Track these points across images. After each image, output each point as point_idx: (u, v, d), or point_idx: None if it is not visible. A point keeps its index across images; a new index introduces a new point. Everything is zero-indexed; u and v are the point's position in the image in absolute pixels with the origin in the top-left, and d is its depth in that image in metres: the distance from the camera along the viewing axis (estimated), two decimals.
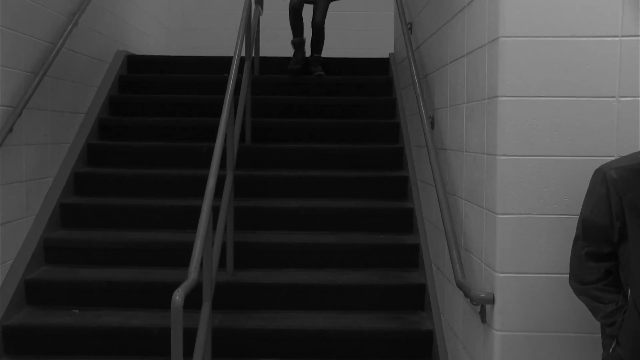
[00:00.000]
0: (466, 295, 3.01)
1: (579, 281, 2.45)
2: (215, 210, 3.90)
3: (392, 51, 6.57)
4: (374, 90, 6.31)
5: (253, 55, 5.91)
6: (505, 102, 2.74)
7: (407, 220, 4.92)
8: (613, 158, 2.71)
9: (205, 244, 3.31)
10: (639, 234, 2.29)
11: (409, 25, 4.98)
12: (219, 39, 8.36)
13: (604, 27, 2.72)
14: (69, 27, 4.96)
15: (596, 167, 2.55)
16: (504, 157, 2.76)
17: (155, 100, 6.13)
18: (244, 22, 4.90)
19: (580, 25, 2.72)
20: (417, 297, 4.34)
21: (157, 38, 8.32)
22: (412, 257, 4.64)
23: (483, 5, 2.96)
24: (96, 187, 5.21)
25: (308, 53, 6.48)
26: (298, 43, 6.34)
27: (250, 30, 5.53)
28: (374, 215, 4.94)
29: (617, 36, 2.73)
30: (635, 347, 2.33)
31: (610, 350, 2.39)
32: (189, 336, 3.45)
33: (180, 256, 4.31)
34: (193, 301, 3.46)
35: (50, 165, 4.95)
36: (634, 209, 2.29)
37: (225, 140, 4.06)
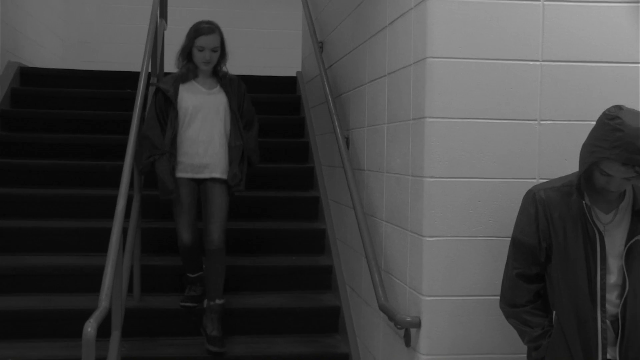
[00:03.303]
0: (391, 319, 2.95)
1: (510, 304, 2.45)
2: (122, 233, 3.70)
3: (300, 70, 6.52)
4: (282, 109, 6.23)
5: (158, 71, 5.71)
6: (433, 123, 2.72)
7: (319, 241, 4.85)
8: (535, 180, 2.75)
9: (116, 270, 3.13)
10: (562, 254, 2.32)
11: (320, 44, 4.94)
12: (118, 53, 8.08)
13: (526, 51, 2.76)
14: None
15: (520, 189, 2.59)
16: (431, 179, 2.74)
17: (52, 115, 5.81)
18: (150, 35, 4.72)
19: (506, 48, 2.74)
20: (332, 320, 4.27)
21: (52, 50, 7.95)
22: (325, 278, 4.57)
23: (408, 25, 2.94)
24: None
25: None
26: (195, 279, 4.23)
27: (157, 45, 5.35)
28: (286, 236, 4.84)
29: (538, 60, 2.77)
30: None
31: None
32: None
33: (84, 281, 4.13)
34: (100, 329, 3.25)
35: None
36: (558, 230, 2.33)
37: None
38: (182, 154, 4.01)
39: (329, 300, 4.41)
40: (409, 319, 2.83)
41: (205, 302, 4.03)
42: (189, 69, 4.10)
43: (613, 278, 2.29)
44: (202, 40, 4.01)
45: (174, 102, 4.00)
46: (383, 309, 3.08)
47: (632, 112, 2.15)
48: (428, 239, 2.75)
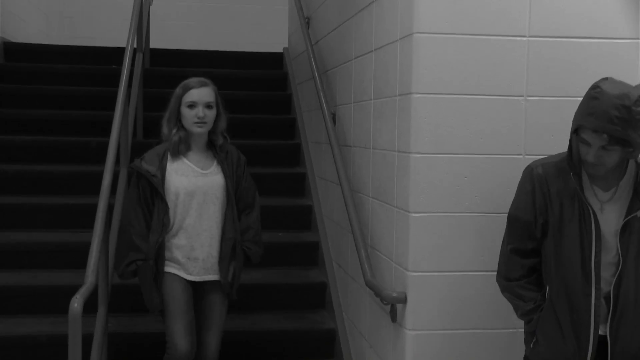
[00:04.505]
0: (377, 294, 2.97)
1: (505, 277, 2.47)
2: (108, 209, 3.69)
3: (286, 46, 6.48)
4: (268, 85, 6.21)
5: (144, 46, 5.66)
6: (420, 99, 2.71)
7: (305, 218, 4.86)
8: (521, 157, 2.75)
9: (102, 246, 3.12)
10: (556, 229, 2.33)
11: (307, 20, 4.92)
12: (103, 28, 7.99)
13: (513, 27, 2.75)
14: None
15: (506, 165, 2.60)
16: (417, 155, 2.73)
17: (36, 91, 5.77)
18: (136, 10, 4.67)
19: (492, 23, 2.73)
20: (318, 296, 4.29)
21: (36, 25, 7.85)
22: (311, 255, 4.59)
23: (395, 1, 2.92)
24: None
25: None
26: None
27: (142, 20, 5.30)
28: (273, 212, 4.80)
29: (524, 36, 2.76)
30: (550, 344, 2.36)
31: (531, 345, 2.43)
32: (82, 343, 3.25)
33: (70, 257, 4.09)
34: (86, 305, 3.25)
35: None
36: (555, 205, 2.33)
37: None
38: (173, 248, 3.21)
39: (316, 277, 4.43)
40: (395, 294, 2.84)
41: None
42: (180, 139, 3.23)
43: (609, 255, 2.28)
44: (192, 95, 3.20)
45: (161, 191, 3.15)
46: (369, 284, 3.10)
47: (615, 82, 2.15)
48: (414, 215, 2.75)
